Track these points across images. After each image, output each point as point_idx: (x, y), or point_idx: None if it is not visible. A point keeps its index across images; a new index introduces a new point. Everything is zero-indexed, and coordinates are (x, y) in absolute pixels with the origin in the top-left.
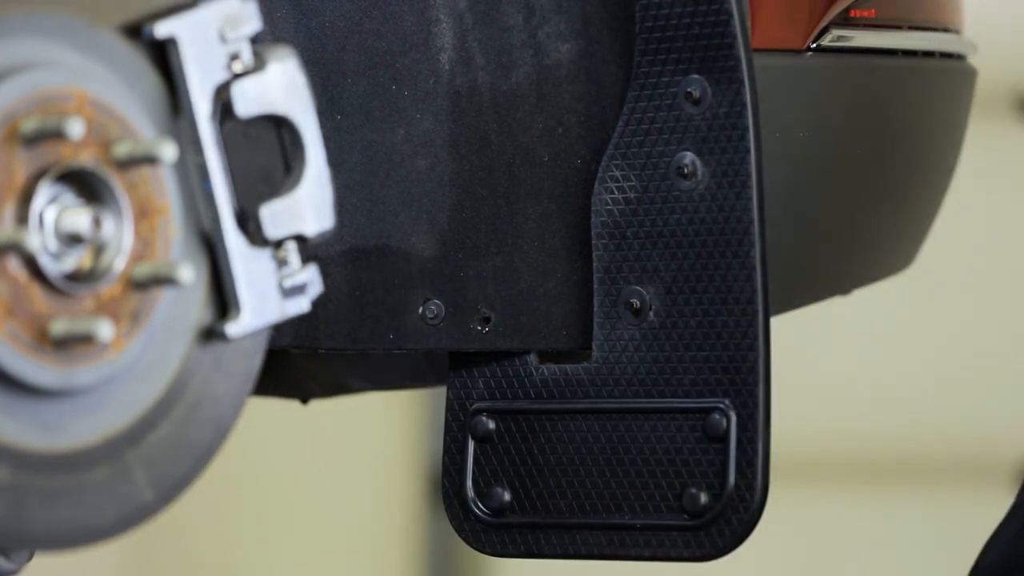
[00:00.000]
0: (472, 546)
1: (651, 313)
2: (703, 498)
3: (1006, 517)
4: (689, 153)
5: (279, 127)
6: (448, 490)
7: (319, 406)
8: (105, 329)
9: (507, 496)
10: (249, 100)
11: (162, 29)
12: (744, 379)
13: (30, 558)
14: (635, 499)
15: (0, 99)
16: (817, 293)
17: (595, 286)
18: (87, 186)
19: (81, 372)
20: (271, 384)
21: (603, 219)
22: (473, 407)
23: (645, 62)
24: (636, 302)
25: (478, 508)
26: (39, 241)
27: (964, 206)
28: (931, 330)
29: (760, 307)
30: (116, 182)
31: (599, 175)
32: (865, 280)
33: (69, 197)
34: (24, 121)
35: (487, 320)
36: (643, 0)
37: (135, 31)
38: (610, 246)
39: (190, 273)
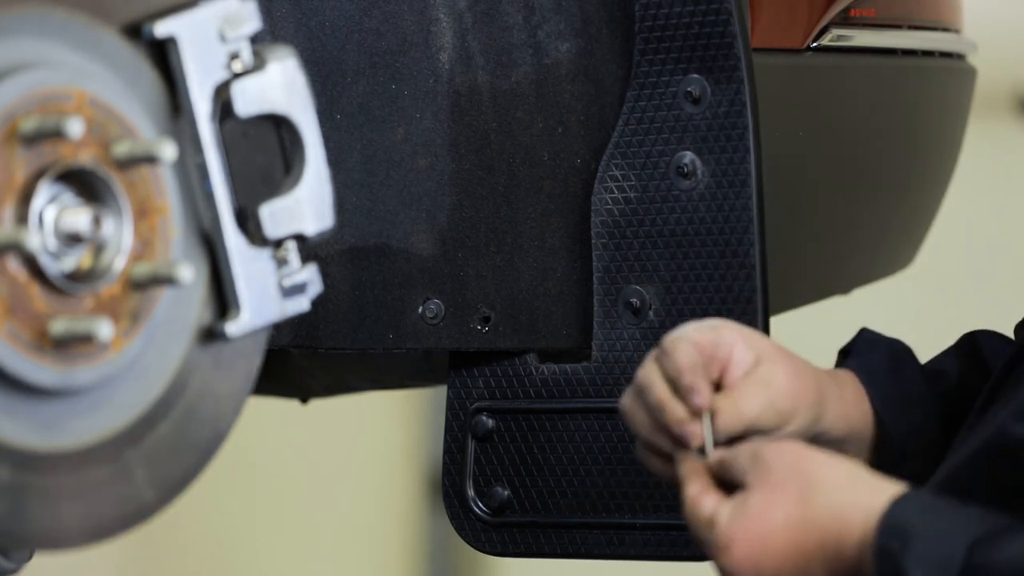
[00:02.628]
0: (472, 545)
1: (651, 313)
2: None
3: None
4: (689, 153)
5: (279, 126)
6: (448, 489)
7: (319, 406)
8: (105, 329)
9: (507, 495)
10: (249, 99)
11: (162, 28)
12: None
13: (30, 558)
14: (635, 499)
15: (0, 98)
16: (817, 293)
17: (595, 286)
18: (87, 185)
19: (81, 372)
20: (271, 384)
21: (603, 219)
22: (473, 406)
23: (645, 61)
24: (636, 302)
25: (478, 507)
26: (39, 241)
27: (964, 206)
28: (931, 329)
29: (760, 307)
30: (116, 181)
31: (599, 175)
32: (865, 279)
33: (69, 197)
34: (24, 120)
35: (487, 319)
36: None
37: (135, 31)
38: (610, 246)
39: (189, 273)
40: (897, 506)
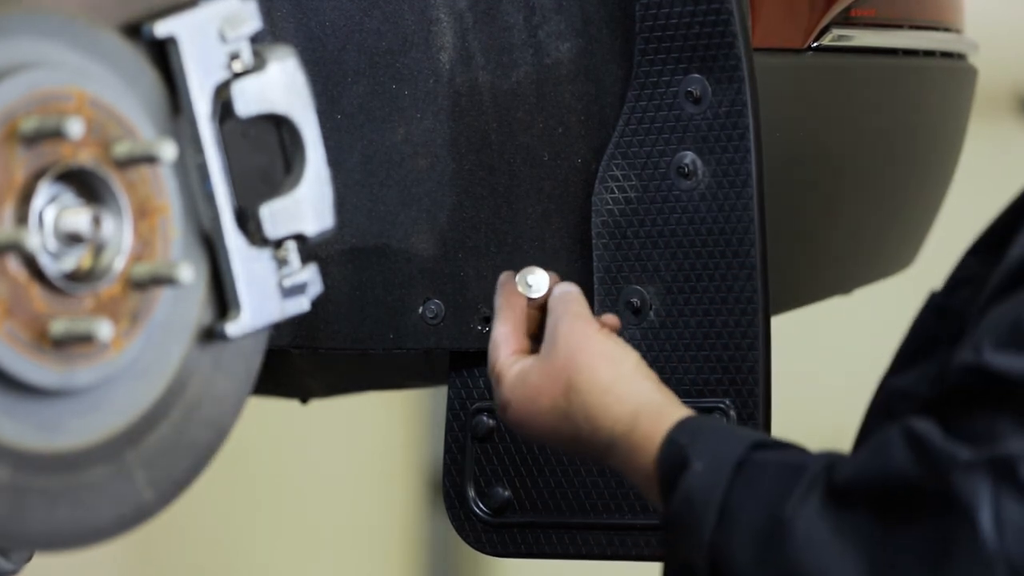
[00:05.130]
0: (472, 546)
1: (651, 313)
2: None
3: None
4: (689, 153)
5: (279, 126)
6: (449, 490)
7: (319, 406)
8: (104, 329)
9: (507, 496)
10: (249, 99)
11: (162, 28)
12: (744, 379)
13: (30, 558)
14: (635, 499)
15: (0, 98)
16: (817, 293)
17: (595, 286)
18: (87, 186)
19: (80, 372)
20: (271, 384)
21: (603, 219)
22: (474, 407)
23: (645, 61)
24: (636, 302)
25: (479, 508)
26: (39, 241)
27: (965, 206)
28: None
29: (760, 307)
30: (116, 182)
31: (599, 175)
32: (866, 280)
33: (69, 197)
34: (24, 121)
35: (487, 320)
36: None
37: (135, 31)
38: (610, 246)
39: (189, 273)
40: (689, 419)
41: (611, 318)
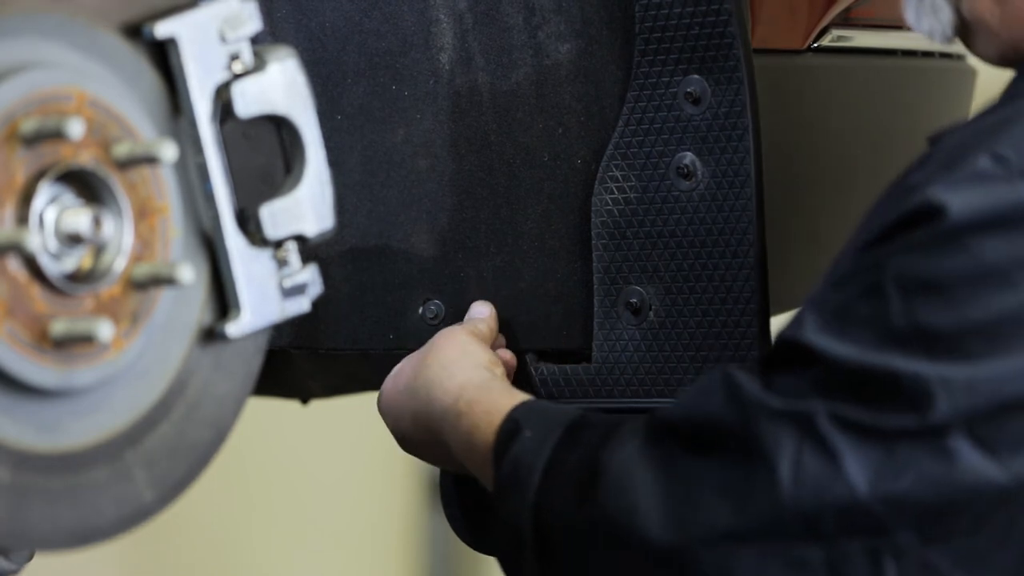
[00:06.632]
0: (471, 546)
1: (651, 313)
2: None
3: None
4: (689, 153)
5: (279, 127)
6: (448, 490)
7: (319, 407)
8: (105, 329)
9: None
10: (249, 100)
11: (162, 29)
12: None
13: (30, 558)
14: None
15: (0, 99)
16: None
17: (595, 286)
18: (87, 186)
19: (81, 372)
20: (271, 385)
21: (603, 219)
22: None
23: (645, 62)
24: (636, 302)
25: (478, 508)
26: (39, 241)
27: None
28: None
29: (760, 307)
30: (116, 182)
31: (599, 175)
32: None
33: (69, 197)
34: (24, 121)
35: None
36: (643, 0)
37: (135, 31)
38: (610, 246)
39: (190, 273)
40: (530, 400)
41: (505, 352)
